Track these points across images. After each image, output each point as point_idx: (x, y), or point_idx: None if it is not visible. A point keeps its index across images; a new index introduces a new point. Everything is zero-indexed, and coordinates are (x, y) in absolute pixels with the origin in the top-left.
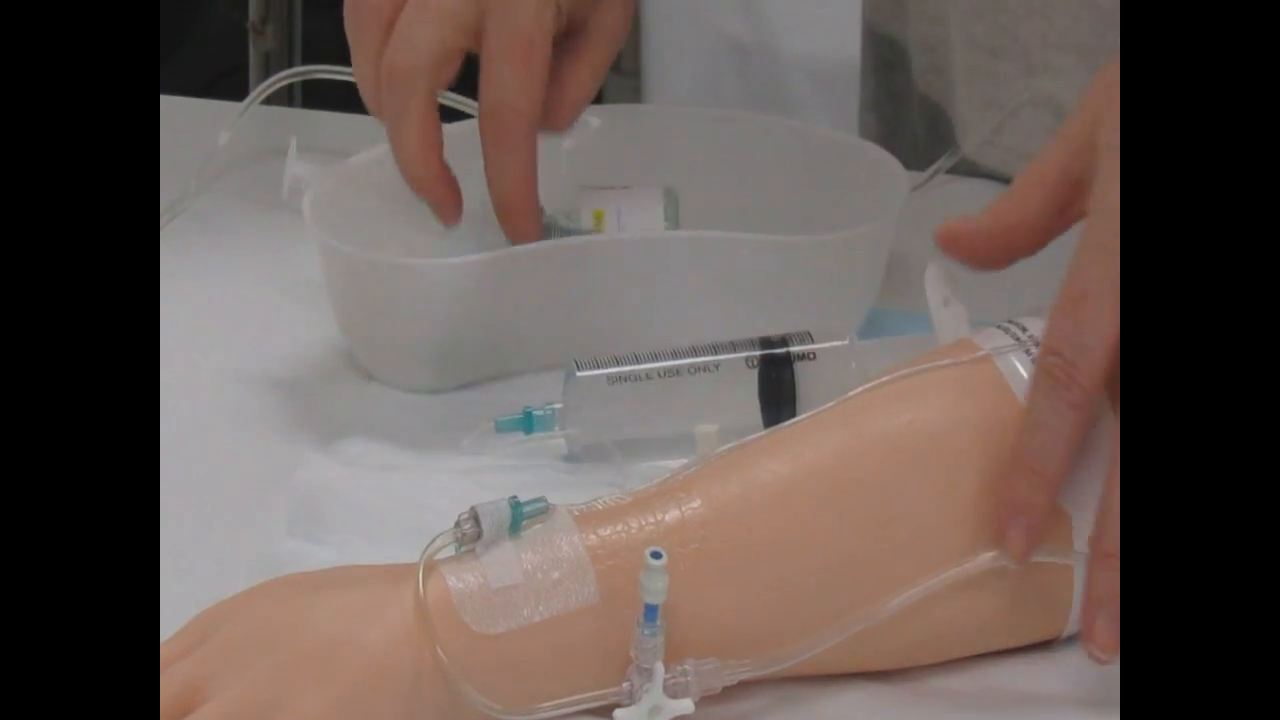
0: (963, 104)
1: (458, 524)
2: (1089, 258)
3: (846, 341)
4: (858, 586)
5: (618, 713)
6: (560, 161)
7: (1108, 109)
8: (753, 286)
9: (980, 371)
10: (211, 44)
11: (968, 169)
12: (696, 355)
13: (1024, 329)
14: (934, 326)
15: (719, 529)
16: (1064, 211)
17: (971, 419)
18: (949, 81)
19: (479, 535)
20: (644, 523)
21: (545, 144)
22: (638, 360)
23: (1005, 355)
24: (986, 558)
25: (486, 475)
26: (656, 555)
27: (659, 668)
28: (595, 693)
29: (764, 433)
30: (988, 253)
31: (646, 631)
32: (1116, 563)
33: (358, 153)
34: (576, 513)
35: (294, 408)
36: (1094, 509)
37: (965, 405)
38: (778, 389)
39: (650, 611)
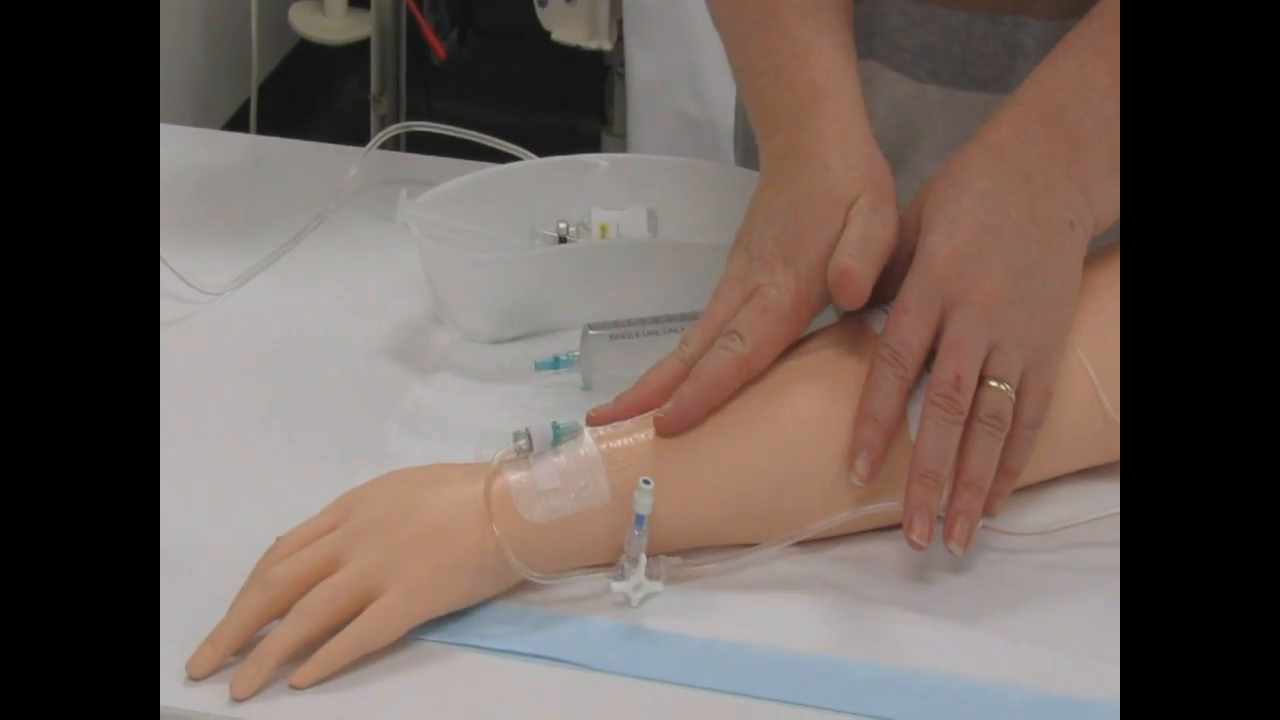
0: None
1: (515, 438)
2: (910, 288)
3: None
4: (789, 499)
5: (613, 585)
6: (580, 191)
7: (931, 194)
8: (706, 275)
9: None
10: (346, 110)
11: None
12: (670, 321)
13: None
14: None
15: (690, 457)
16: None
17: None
18: None
19: (531, 448)
20: (639, 439)
21: (570, 177)
22: (630, 324)
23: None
24: (849, 479)
25: (528, 399)
26: (647, 482)
27: (643, 559)
28: (598, 566)
29: None
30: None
31: (636, 533)
32: (930, 480)
33: (442, 182)
34: (599, 433)
35: (403, 353)
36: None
37: (857, 376)
38: None
39: (639, 520)
